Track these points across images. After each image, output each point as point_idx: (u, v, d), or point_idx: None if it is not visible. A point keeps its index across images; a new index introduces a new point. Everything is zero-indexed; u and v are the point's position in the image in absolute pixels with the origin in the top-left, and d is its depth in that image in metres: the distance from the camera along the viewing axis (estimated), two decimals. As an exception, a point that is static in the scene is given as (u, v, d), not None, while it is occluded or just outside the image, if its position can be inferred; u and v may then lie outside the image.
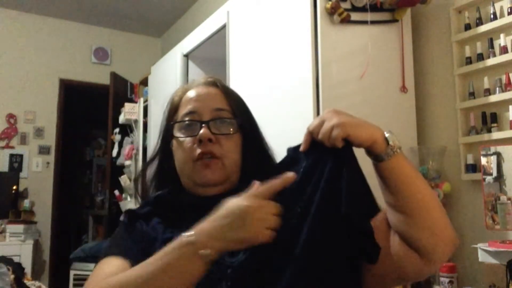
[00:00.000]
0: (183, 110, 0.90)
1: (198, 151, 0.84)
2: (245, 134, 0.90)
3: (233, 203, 0.69)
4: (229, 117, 0.88)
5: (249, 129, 0.92)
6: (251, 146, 0.91)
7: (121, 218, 0.97)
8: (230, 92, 0.94)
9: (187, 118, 0.88)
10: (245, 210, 0.66)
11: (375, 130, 0.76)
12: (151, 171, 0.96)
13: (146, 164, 0.97)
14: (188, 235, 0.67)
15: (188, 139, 0.86)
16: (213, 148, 0.85)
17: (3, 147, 4.60)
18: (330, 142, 0.73)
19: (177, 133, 0.88)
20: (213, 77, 0.96)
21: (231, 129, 0.88)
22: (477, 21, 1.92)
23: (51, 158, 4.82)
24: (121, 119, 4.14)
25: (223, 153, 0.85)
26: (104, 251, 0.85)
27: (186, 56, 3.13)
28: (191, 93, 0.92)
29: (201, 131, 0.85)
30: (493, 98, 1.83)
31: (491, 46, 1.87)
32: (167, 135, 0.92)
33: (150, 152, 3.55)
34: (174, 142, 0.90)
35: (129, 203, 3.84)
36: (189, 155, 0.86)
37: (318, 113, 1.82)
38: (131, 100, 4.34)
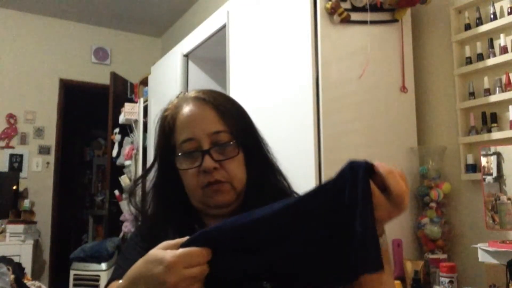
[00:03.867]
0: (180, 135, 0.87)
1: (205, 181, 0.84)
2: (246, 148, 0.89)
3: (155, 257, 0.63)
4: (228, 139, 0.86)
5: (249, 142, 0.90)
6: (254, 159, 0.90)
7: (131, 233, 0.97)
8: (224, 108, 0.89)
9: (185, 146, 0.86)
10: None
11: None
12: (147, 183, 0.94)
13: (136, 180, 0.95)
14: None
15: (193, 169, 0.85)
16: (218, 176, 0.84)
17: (3, 147, 4.60)
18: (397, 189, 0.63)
19: (180, 164, 0.86)
20: (203, 92, 0.91)
21: (233, 152, 0.86)
22: (477, 21, 1.92)
23: (51, 158, 4.83)
24: (121, 119, 4.15)
25: (229, 177, 0.85)
26: (113, 270, 0.87)
27: (186, 56, 3.13)
28: (185, 113, 0.88)
29: (204, 162, 0.83)
30: (493, 98, 1.83)
31: (491, 46, 1.87)
32: (166, 156, 0.90)
33: (150, 152, 3.57)
34: (179, 168, 0.88)
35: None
36: (196, 183, 0.85)
37: (318, 113, 1.82)
38: (131, 100, 4.34)
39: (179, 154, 0.87)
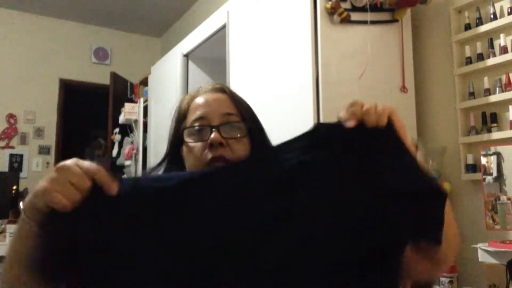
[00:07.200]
0: (192, 116, 0.90)
1: (210, 155, 0.85)
2: (253, 138, 0.91)
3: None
4: (238, 121, 0.89)
5: (256, 134, 0.93)
6: (259, 150, 0.91)
7: None
8: (238, 97, 0.95)
9: (196, 124, 0.88)
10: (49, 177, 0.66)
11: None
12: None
13: (152, 169, 0.95)
14: None
15: (199, 144, 0.87)
16: (224, 152, 0.85)
17: (3, 147, 4.60)
18: (376, 118, 0.71)
19: (187, 139, 0.89)
20: (220, 83, 0.97)
21: (241, 133, 0.88)
22: (477, 21, 1.92)
23: (51, 158, 4.83)
24: (121, 119, 4.14)
25: (233, 157, 0.86)
26: None
27: (186, 56, 3.13)
28: (199, 100, 0.92)
29: (212, 136, 0.85)
30: (493, 98, 1.83)
31: (491, 46, 1.87)
32: (176, 141, 0.93)
33: (150, 152, 3.58)
34: (184, 147, 0.90)
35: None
36: (200, 159, 0.86)
37: (318, 113, 1.82)
38: (131, 100, 4.33)
39: (188, 127, 0.89)
